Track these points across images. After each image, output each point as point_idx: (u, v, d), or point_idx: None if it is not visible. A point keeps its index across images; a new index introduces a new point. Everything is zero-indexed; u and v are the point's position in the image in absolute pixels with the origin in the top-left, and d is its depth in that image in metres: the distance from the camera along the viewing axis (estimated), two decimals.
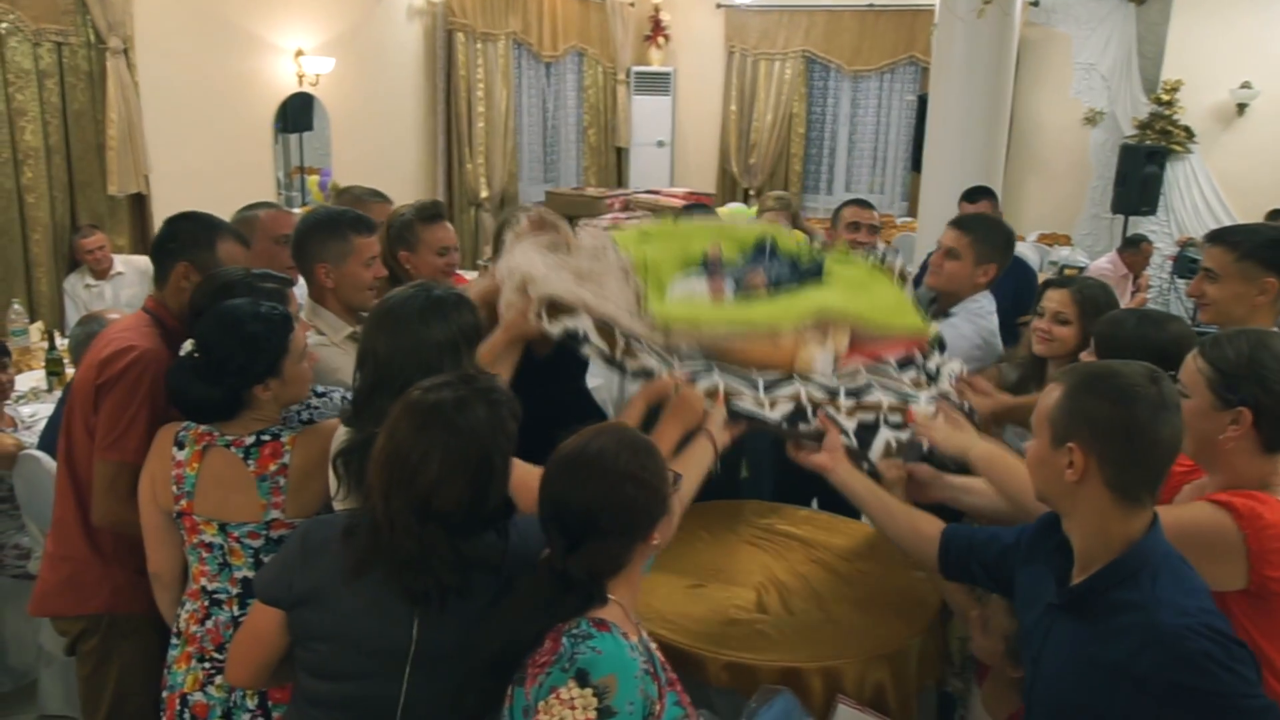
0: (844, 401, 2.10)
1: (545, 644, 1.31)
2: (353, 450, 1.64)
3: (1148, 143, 7.35)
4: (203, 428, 1.85)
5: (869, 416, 2.07)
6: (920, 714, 2.33)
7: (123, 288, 5.17)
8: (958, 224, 2.75)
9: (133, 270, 5.19)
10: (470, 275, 3.31)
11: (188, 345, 1.82)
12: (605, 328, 2.04)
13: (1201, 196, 7.51)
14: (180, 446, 1.84)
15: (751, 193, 9.60)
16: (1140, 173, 6.88)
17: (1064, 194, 8.24)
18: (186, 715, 1.82)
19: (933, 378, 2.32)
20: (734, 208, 8.55)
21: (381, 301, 1.75)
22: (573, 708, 1.22)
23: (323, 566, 1.45)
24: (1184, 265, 6.66)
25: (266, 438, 1.82)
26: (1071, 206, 8.20)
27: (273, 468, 1.80)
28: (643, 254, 2.38)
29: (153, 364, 1.99)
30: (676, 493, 1.45)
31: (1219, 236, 2.24)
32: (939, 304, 2.84)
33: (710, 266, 2.35)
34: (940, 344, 2.43)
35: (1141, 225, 7.32)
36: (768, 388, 2.12)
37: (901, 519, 1.82)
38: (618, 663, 1.26)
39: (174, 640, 1.88)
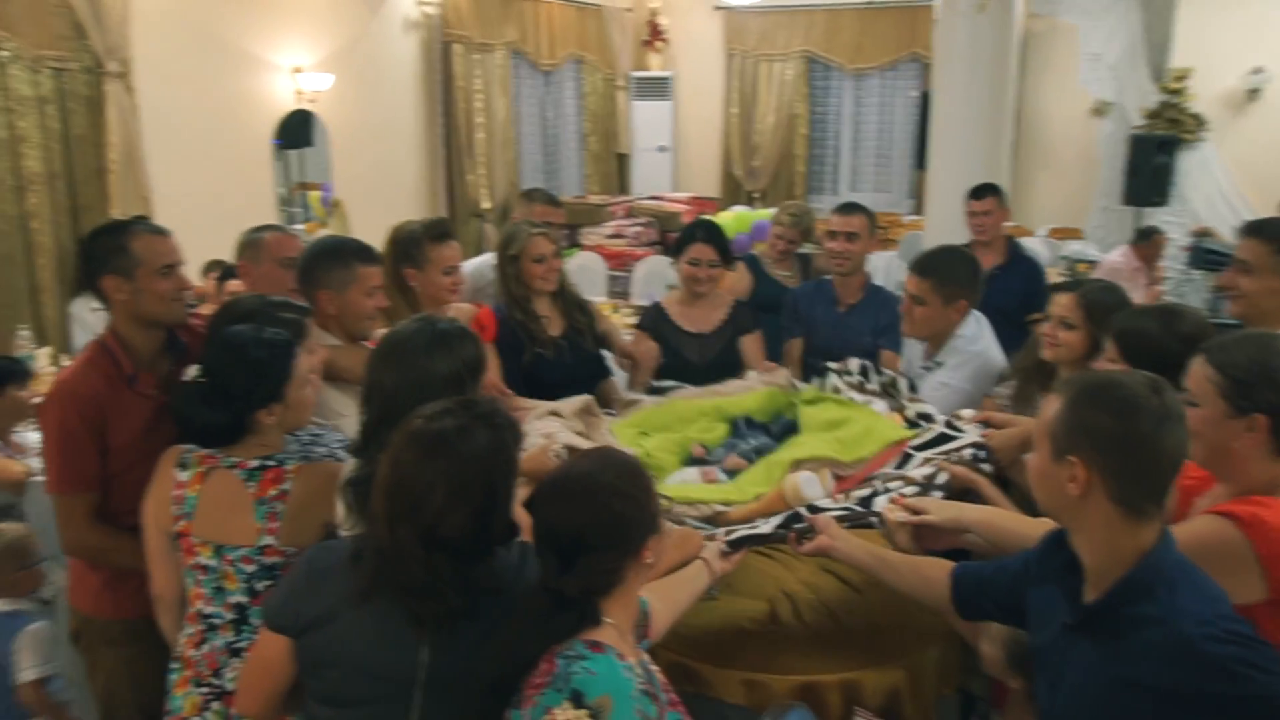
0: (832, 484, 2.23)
1: (540, 667, 1.31)
2: (361, 480, 1.64)
3: (1158, 132, 7.26)
4: (207, 450, 1.85)
5: (864, 491, 2.14)
6: (939, 718, 2.27)
7: None
8: (917, 269, 2.67)
9: None
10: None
11: (192, 370, 1.83)
12: None
13: (1215, 185, 7.40)
14: (183, 468, 1.84)
15: (755, 195, 9.56)
16: (1151, 163, 6.78)
17: (1073, 187, 8.15)
18: None
19: (956, 434, 2.35)
20: (738, 211, 8.50)
21: (388, 335, 1.77)
22: None
23: (330, 592, 1.45)
24: (1199, 256, 6.55)
25: (271, 464, 1.83)
26: (1082, 199, 8.10)
27: (272, 493, 1.80)
28: (644, 449, 2.50)
29: (66, 397, 2.02)
30: (645, 626, 1.49)
31: (1258, 229, 2.20)
32: (927, 346, 2.79)
33: (695, 460, 2.53)
34: (926, 417, 2.48)
35: (1154, 216, 7.22)
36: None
37: (907, 572, 1.81)
38: (613, 683, 1.27)
39: (173, 664, 1.88)
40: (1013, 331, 3.90)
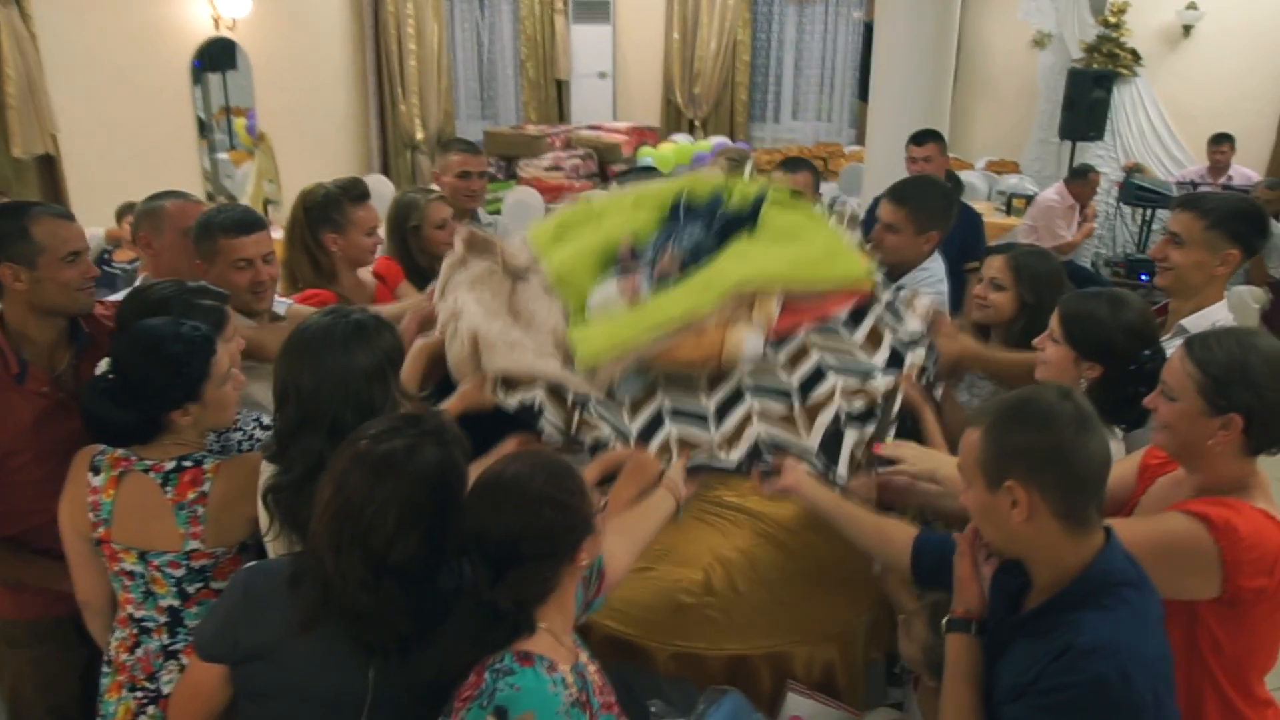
0: (797, 405, 2.03)
1: (470, 678, 1.28)
2: (282, 488, 1.57)
3: (1095, 67, 7.28)
4: (120, 452, 1.75)
5: (828, 416, 1.99)
6: (868, 686, 2.34)
7: None
8: (893, 196, 2.64)
9: None
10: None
11: (104, 365, 1.70)
12: (559, 397, 2.01)
13: (1148, 120, 7.48)
14: (96, 472, 1.74)
15: (697, 123, 9.40)
16: (1088, 98, 6.81)
17: (1012, 119, 8.17)
18: None
19: (896, 315, 2.22)
20: (678, 142, 8.36)
21: (298, 331, 1.65)
22: None
23: (269, 620, 1.37)
24: (1129, 192, 6.64)
25: (188, 464, 1.73)
26: (1020, 132, 8.14)
27: (191, 495, 1.71)
28: (560, 262, 2.29)
29: None
30: (602, 514, 1.41)
31: (1190, 203, 2.20)
32: (888, 275, 2.77)
33: (622, 264, 2.27)
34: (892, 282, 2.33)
35: (1088, 151, 7.29)
36: (719, 412, 2.05)
37: (871, 531, 1.79)
38: (537, 699, 1.25)
39: (105, 668, 1.82)
40: (950, 280, 3.96)
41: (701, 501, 2.78)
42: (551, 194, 7.59)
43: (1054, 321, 1.95)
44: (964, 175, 7.40)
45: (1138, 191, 6.56)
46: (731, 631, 2.19)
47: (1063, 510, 1.29)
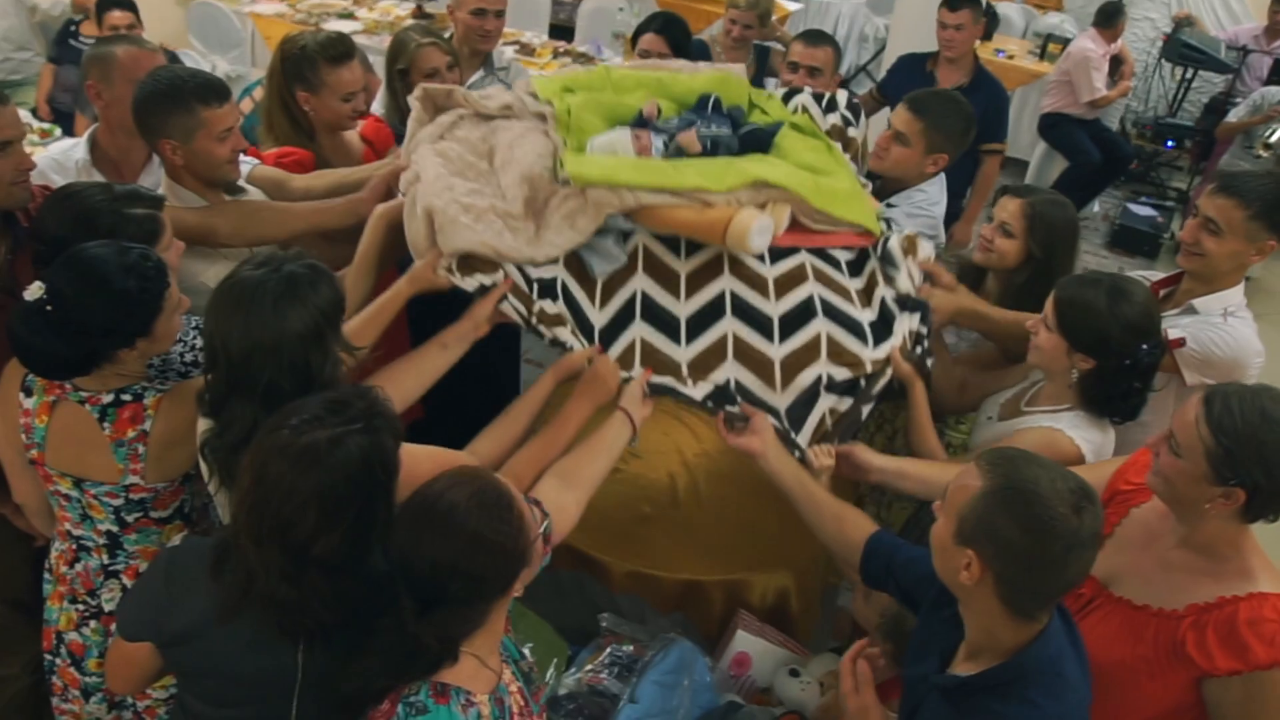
0: (778, 348, 1.92)
1: (384, 704, 1.26)
2: (218, 449, 1.49)
3: None
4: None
5: (809, 378, 1.90)
6: (823, 612, 2.40)
7: None
8: (912, 105, 2.37)
9: None
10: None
11: (36, 290, 1.50)
12: (520, 290, 1.85)
13: None
14: (28, 394, 1.63)
15: None
16: None
17: None
18: (64, 650, 1.78)
19: (892, 262, 2.09)
20: None
21: (227, 285, 1.47)
22: None
23: (193, 607, 1.34)
24: (1174, 48, 6.16)
25: (127, 397, 1.61)
26: None
27: (131, 434, 1.60)
28: (569, 104, 2.08)
29: None
30: (546, 540, 1.34)
31: (1231, 187, 1.98)
32: (881, 187, 2.55)
33: (642, 122, 2.08)
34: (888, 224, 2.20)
35: None
36: (693, 325, 1.94)
37: (829, 520, 1.73)
38: None
39: (46, 575, 1.80)
40: (964, 159, 3.73)
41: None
42: None
43: (1049, 306, 1.82)
44: (1000, 7, 6.83)
45: (1183, 49, 6.10)
46: (688, 556, 2.21)
47: (1008, 600, 1.24)
